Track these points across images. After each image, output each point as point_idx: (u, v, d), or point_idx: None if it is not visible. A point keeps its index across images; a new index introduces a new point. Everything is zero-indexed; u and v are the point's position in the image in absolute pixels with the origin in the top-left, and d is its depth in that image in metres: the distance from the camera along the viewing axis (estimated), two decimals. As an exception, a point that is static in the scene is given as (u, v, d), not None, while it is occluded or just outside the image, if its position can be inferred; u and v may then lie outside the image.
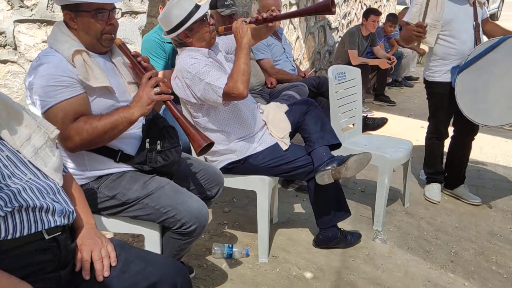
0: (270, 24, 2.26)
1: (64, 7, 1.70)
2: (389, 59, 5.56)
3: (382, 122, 4.10)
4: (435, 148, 3.20)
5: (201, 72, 2.14)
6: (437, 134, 3.16)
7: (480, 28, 2.90)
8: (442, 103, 3.01)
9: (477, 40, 2.84)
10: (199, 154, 1.77)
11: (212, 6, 3.10)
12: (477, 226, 2.91)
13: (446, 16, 2.85)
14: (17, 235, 1.19)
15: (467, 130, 3.05)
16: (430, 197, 3.17)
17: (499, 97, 2.73)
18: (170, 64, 2.80)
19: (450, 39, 2.90)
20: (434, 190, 3.20)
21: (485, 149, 3.96)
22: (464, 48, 2.85)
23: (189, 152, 2.27)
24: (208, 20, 2.27)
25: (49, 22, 2.37)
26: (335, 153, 2.39)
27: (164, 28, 2.27)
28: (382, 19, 6.44)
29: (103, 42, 1.75)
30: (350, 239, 2.59)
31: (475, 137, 3.16)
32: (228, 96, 2.15)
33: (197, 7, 2.20)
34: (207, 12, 2.24)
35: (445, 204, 3.18)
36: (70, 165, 1.74)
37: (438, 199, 3.15)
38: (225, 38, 2.51)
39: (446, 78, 2.93)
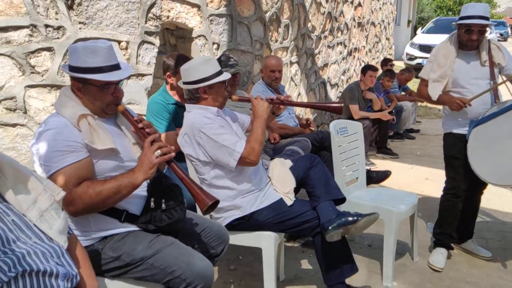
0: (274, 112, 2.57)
1: (72, 78, 1.77)
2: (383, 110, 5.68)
3: (385, 175, 4.10)
4: (448, 207, 3.01)
5: (216, 134, 2.22)
6: (453, 190, 2.97)
7: (499, 87, 2.88)
8: (453, 154, 2.94)
9: (495, 98, 2.82)
10: (204, 213, 1.78)
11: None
12: (489, 280, 2.83)
13: (453, 74, 2.86)
14: (20, 300, 1.17)
15: (477, 184, 2.94)
16: (433, 264, 2.97)
17: (510, 156, 2.69)
18: (173, 125, 2.86)
19: (458, 96, 2.87)
20: (439, 256, 3.02)
21: (491, 200, 3.91)
22: (473, 105, 2.81)
23: (194, 210, 2.26)
24: (227, 85, 2.41)
25: (59, 87, 2.46)
26: (340, 207, 2.38)
27: (184, 78, 2.34)
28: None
29: (107, 111, 1.82)
30: (359, 297, 2.52)
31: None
32: (243, 161, 2.23)
33: (221, 71, 2.33)
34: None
35: (456, 257, 3.11)
36: (74, 226, 1.74)
37: (442, 266, 2.95)
38: (238, 115, 2.63)
39: (457, 130, 2.92)
